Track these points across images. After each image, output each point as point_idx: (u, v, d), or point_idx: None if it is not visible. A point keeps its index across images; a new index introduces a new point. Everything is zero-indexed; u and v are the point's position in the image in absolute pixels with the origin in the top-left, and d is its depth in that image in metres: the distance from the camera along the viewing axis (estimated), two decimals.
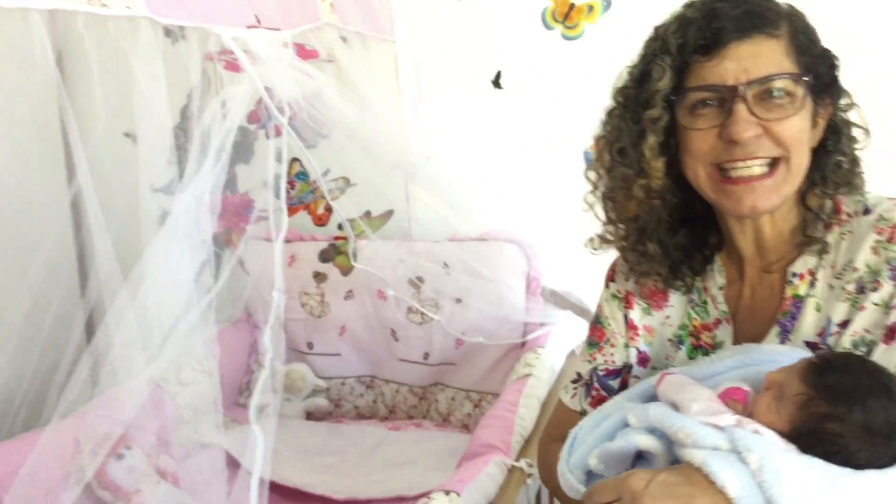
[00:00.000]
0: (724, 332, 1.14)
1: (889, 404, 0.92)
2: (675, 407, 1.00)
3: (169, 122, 1.75)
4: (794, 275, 1.08)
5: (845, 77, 1.07)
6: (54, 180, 2.24)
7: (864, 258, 1.02)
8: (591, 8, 2.19)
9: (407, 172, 2.36)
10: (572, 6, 2.22)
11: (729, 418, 0.95)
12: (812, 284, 1.06)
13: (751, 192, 1.01)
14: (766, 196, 1.01)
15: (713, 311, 1.15)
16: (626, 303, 1.21)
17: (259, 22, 1.59)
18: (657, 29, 1.07)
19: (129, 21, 1.24)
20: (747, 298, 1.13)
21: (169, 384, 1.82)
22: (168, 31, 1.40)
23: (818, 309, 1.05)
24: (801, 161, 1.02)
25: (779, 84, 0.98)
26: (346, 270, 1.85)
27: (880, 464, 0.90)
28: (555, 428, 1.28)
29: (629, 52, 1.10)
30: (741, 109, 0.98)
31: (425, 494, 1.41)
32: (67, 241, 2.16)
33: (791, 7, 1.05)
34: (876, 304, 1.00)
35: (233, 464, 1.52)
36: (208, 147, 1.44)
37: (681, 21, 1.03)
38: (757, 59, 0.98)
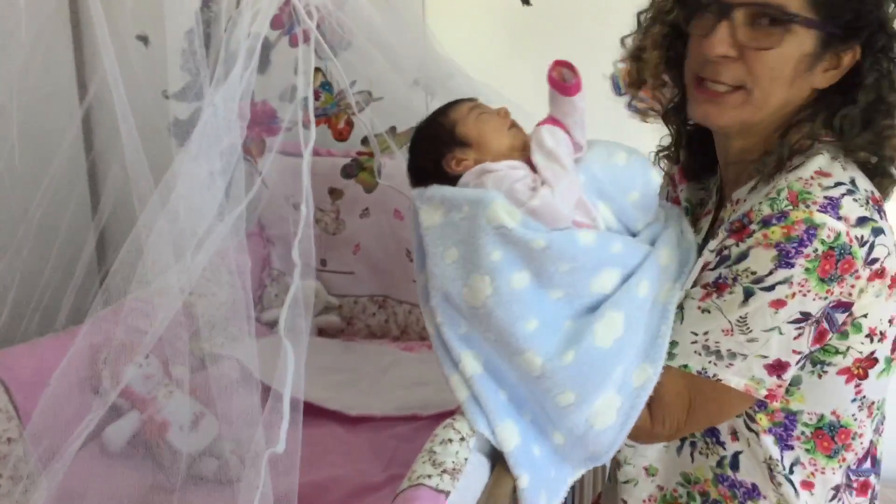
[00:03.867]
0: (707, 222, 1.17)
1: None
2: None
3: (187, 25, 1.68)
4: (731, 201, 1.08)
5: None
6: (66, 95, 2.19)
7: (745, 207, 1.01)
8: None
9: (428, 88, 2.29)
10: None
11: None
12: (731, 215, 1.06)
13: (709, 104, 1.01)
14: (720, 112, 1.01)
15: (708, 201, 1.18)
16: (672, 181, 1.25)
17: None
18: None
19: None
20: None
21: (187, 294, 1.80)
22: None
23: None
24: (767, 95, 0.98)
25: (769, 14, 0.93)
26: (369, 187, 1.81)
27: None
28: None
29: None
30: (722, 28, 0.96)
31: (446, 414, 1.40)
32: (79, 156, 2.11)
33: None
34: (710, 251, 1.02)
35: (248, 376, 1.51)
36: (237, 52, 1.38)
37: None
38: None
